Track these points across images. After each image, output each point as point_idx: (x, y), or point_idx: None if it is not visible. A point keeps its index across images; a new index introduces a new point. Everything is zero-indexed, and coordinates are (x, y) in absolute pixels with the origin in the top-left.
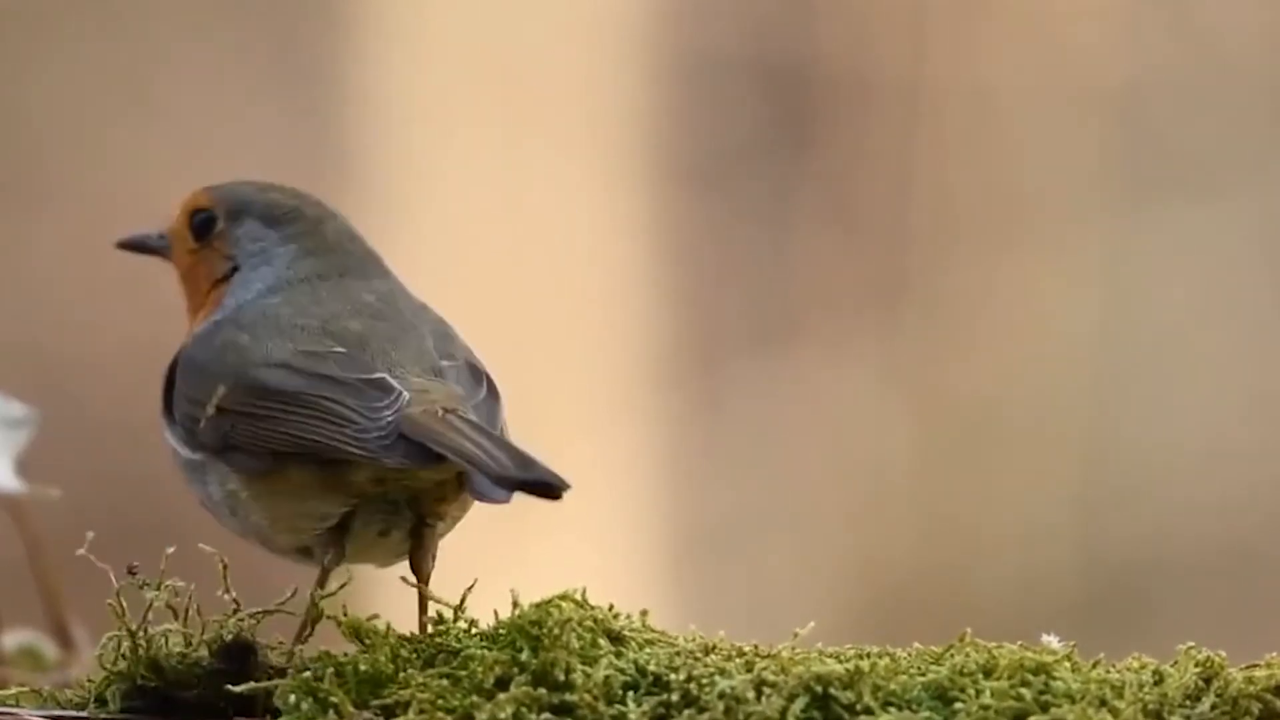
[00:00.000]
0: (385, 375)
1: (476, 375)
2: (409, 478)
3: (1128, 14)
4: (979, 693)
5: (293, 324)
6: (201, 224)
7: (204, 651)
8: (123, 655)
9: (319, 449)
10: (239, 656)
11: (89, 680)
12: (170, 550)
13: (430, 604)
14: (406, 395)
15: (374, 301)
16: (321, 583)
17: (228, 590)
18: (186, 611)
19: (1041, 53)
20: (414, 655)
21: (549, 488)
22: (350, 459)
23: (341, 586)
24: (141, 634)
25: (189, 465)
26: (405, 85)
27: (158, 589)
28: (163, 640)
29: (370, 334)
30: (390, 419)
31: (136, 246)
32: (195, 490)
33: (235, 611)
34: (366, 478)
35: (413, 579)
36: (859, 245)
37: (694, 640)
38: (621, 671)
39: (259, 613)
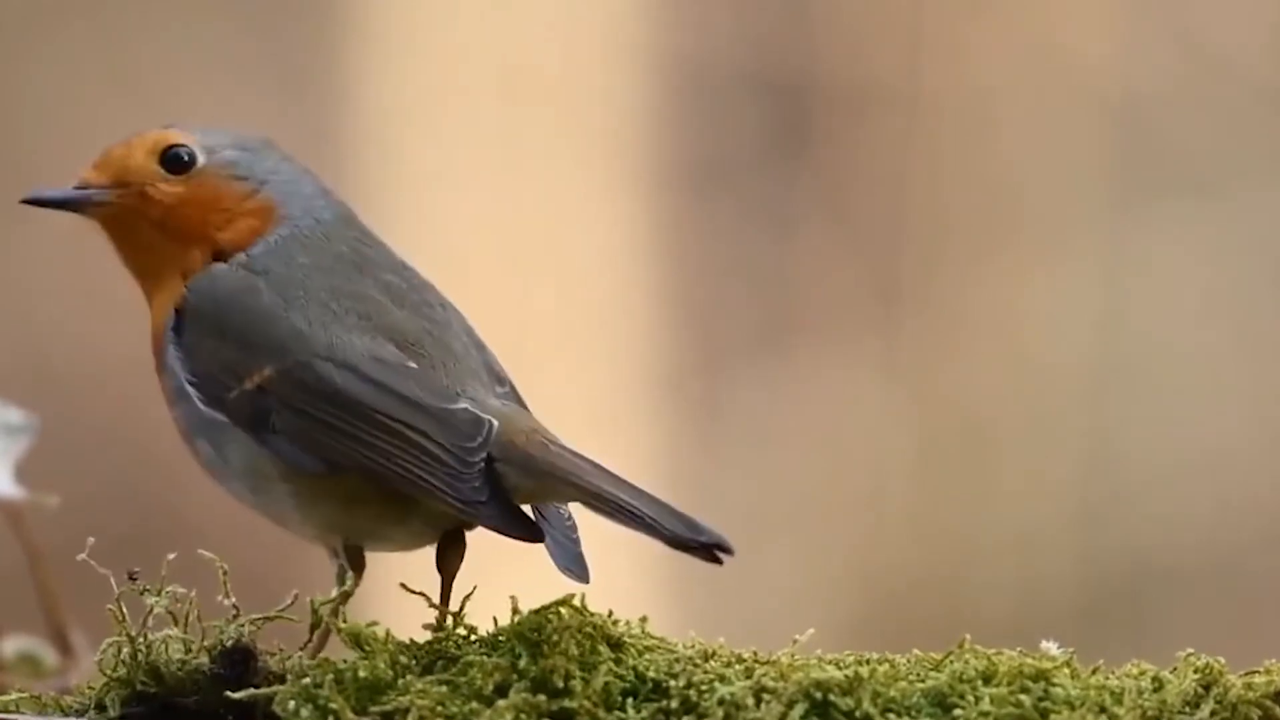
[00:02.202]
0: (468, 405)
1: (519, 399)
2: None
3: (1124, 20)
4: (978, 699)
5: (341, 306)
6: (176, 158)
7: (204, 657)
8: (123, 661)
9: (402, 485)
10: (239, 662)
11: (89, 687)
12: (171, 557)
13: (433, 609)
14: (496, 425)
15: (400, 284)
16: (337, 609)
17: (227, 596)
18: (187, 617)
19: (1037, 59)
20: (413, 662)
21: (716, 549)
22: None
23: (343, 594)
24: (141, 640)
25: (201, 421)
26: (403, 93)
27: (158, 595)
28: (163, 646)
29: (422, 335)
30: (479, 464)
31: (57, 203)
32: (200, 447)
33: (235, 617)
34: (442, 510)
35: (414, 587)
36: (858, 250)
37: (693, 646)
38: (621, 678)
39: (259, 619)
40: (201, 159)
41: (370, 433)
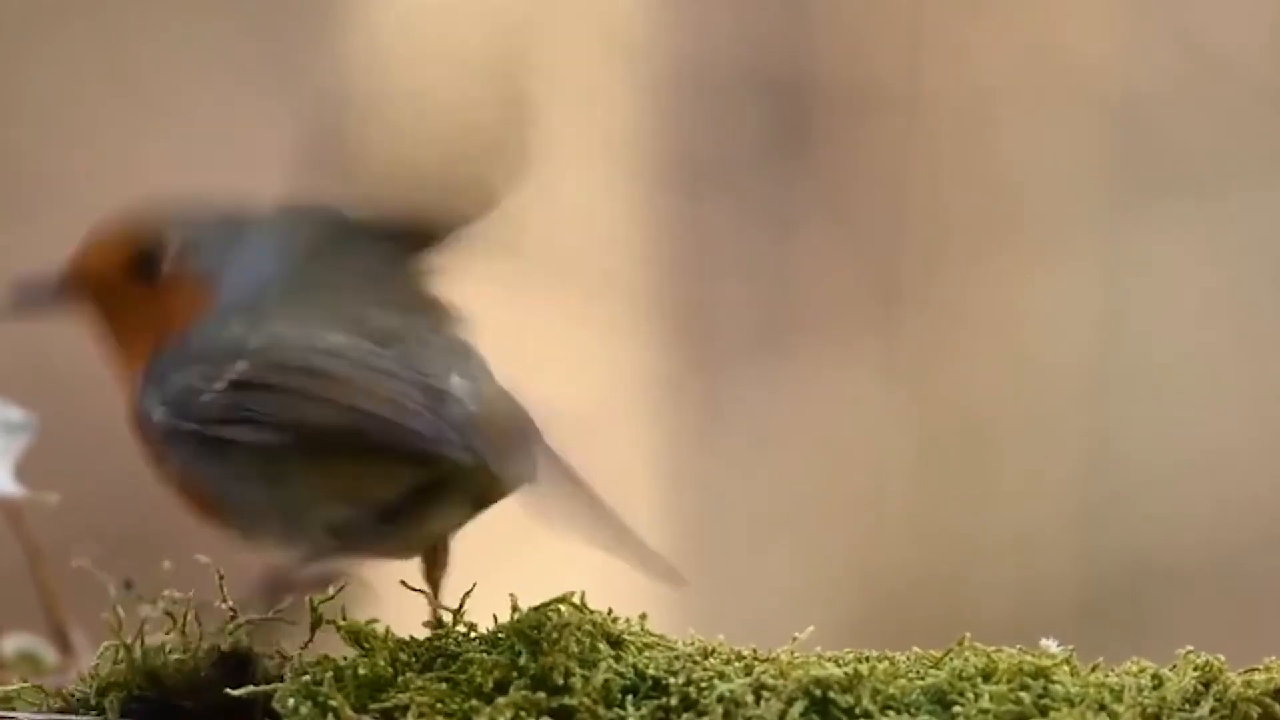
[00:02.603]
0: (449, 389)
1: (507, 392)
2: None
3: (1124, 20)
4: (978, 696)
5: (316, 304)
6: (146, 265)
7: (201, 660)
8: (118, 666)
9: (383, 435)
10: (237, 665)
11: (91, 675)
12: (167, 565)
13: (432, 608)
14: (474, 409)
15: (381, 280)
16: (322, 583)
17: (224, 599)
18: (184, 618)
19: (1037, 59)
20: (413, 659)
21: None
22: (408, 450)
23: (340, 590)
24: (138, 646)
25: (173, 435)
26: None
27: (153, 603)
28: (160, 650)
29: (404, 330)
30: (459, 437)
31: (30, 303)
32: (172, 463)
33: (232, 619)
34: (439, 510)
35: (414, 584)
36: (858, 250)
37: (693, 644)
38: (620, 675)
39: (257, 620)
40: (168, 265)
41: (343, 390)
